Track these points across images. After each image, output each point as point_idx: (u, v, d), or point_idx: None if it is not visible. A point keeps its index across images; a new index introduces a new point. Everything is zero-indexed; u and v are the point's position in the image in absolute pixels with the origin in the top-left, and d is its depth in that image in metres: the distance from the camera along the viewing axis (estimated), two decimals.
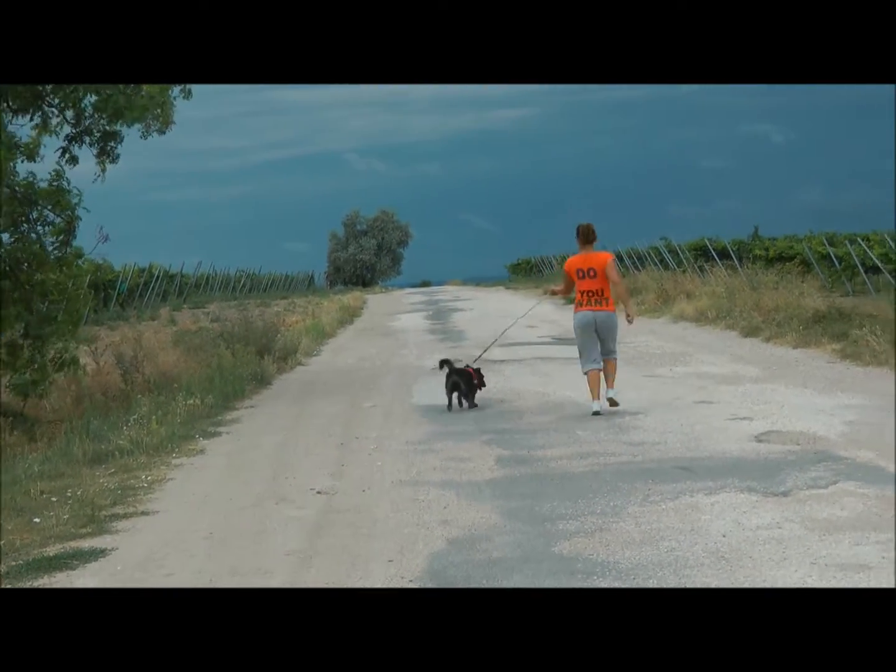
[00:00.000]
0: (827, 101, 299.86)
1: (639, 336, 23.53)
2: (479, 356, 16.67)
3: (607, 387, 14.22)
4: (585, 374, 14.34)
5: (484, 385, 15.44)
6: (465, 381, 15.24)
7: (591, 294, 14.18)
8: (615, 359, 14.37)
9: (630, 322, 14.70)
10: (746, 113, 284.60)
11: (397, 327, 33.69)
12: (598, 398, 14.12)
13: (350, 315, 40.82)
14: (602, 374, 14.22)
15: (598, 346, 14.25)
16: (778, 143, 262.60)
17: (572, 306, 14.87)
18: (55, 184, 16.52)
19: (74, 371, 16.91)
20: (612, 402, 14.19)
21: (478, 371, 15.43)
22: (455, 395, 15.31)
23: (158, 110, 17.25)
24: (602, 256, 14.40)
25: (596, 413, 13.92)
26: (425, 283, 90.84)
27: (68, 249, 16.55)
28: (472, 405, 15.24)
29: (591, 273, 14.17)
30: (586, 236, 14.36)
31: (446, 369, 15.50)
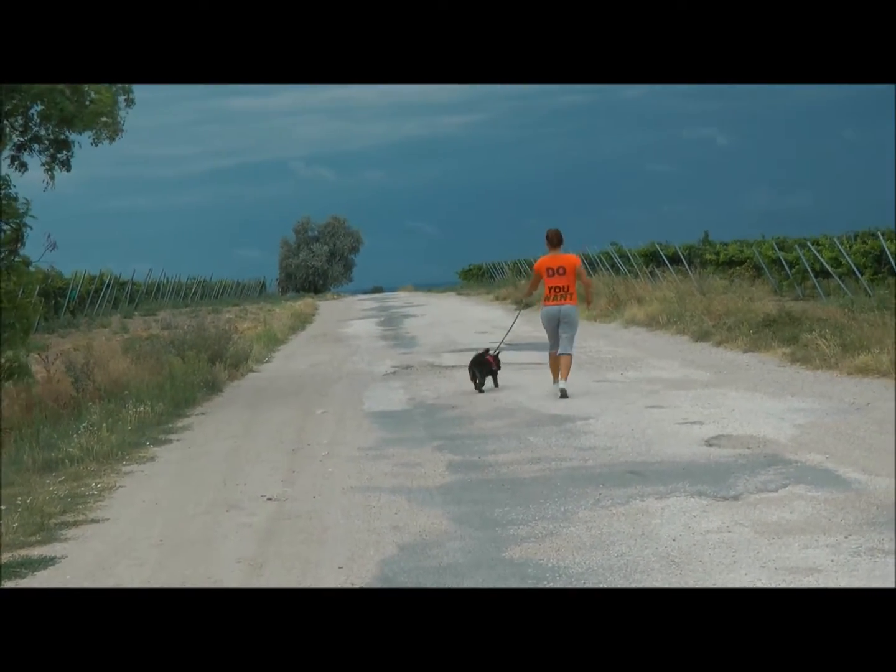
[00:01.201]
0: (768, 103, 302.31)
1: (590, 341, 23.61)
2: (500, 343, 18.44)
3: (561, 377, 16.01)
4: (550, 356, 16.50)
5: (499, 367, 17.42)
6: (485, 370, 17.14)
7: (558, 290, 16.29)
8: (571, 355, 16.23)
9: (588, 305, 18.46)
10: (690, 117, 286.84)
11: (349, 333, 33.61)
12: (559, 379, 16.01)
13: (302, 321, 40.71)
14: (559, 364, 16.18)
15: (561, 336, 16.24)
16: (723, 147, 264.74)
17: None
18: (3, 192, 16.36)
19: (25, 380, 16.74)
20: (563, 393, 15.71)
21: (496, 357, 17.39)
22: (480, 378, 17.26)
23: (107, 119, 17.15)
24: (571, 258, 16.67)
25: (563, 391, 15.69)
26: (377, 290, 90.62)
27: (16, 258, 16.39)
28: (495, 384, 17.24)
29: (561, 271, 16.28)
30: (553, 240, 16.53)
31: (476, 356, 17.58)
